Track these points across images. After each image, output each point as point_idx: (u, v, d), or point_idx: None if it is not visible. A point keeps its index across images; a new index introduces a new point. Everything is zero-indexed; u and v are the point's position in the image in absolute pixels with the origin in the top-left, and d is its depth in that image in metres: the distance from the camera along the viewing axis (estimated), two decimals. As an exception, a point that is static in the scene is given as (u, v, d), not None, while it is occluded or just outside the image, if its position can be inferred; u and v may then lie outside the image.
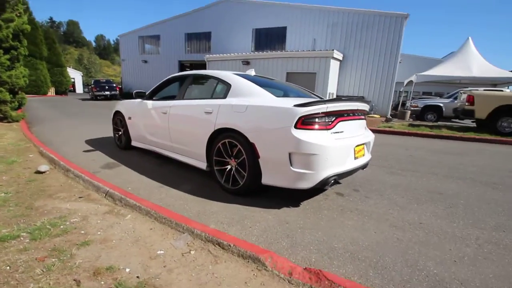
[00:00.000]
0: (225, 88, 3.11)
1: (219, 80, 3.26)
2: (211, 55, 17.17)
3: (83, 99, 21.45)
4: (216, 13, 19.89)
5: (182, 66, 23.26)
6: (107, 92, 20.53)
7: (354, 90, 15.94)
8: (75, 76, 41.09)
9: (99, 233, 1.93)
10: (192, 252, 1.73)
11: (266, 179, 2.60)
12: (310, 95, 3.58)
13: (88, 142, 5.48)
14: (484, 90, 10.36)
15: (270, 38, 18.67)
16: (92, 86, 20.82)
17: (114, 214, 2.25)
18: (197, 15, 20.72)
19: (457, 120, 13.21)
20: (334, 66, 14.51)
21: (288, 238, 2.07)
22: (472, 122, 8.86)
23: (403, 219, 2.50)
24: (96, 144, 5.30)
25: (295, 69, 14.20)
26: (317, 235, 2.12)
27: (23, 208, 2.31)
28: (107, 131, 6.78)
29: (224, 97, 3.05)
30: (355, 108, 2.81)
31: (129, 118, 4.54)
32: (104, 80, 22.93)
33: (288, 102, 2.53)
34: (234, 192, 2.89)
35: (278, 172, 2.51)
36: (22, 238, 1.82)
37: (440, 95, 24.33)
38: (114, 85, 21.72)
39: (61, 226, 1.99)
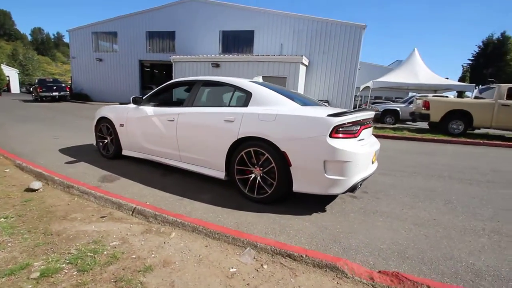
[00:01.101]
0: (245, 97, 3.10)
1: (237, 88, 3.23)
2: (178, 56, 16.57)
3: (25, 101, 18.95)
4: (181, 13, 19.25)
5: (143, 66, 22.00)
6: (55, 93, 18.41)
7: (320, 94, 16.83)
8: (10, 74, 35.95)
9: (153, 255, 1.78)
10: (265, 267, 1.71)
11: (298, 187, 2.67)
12: (317, 102, 3.74)
13: (64, 151, 4.91)
14: (433, 96, 11.83)
15: (237, 41, 18.72)
16: (37, 86, 18.46)
17: (155, 233, 2.09)
18: (160, 13, 19.80)
19: (410, 123, 14.82)
20: (302, 71, 15.16)
21: (336, 243, 2.16)
22: (428, 124, 10.08)
23: (418, 216, 2.78)
24: (75, 153, 4.78)
25: (266, 73, 14.46)
26: (360, 238, 2.26)
27: (40, 235, 2.01)
28: (77, 137, 6.19)
29: (245, 105, 3.03)
30: (370, 116, 3.03)
31: (121, 125, 4.20)
32: (51, 80, 20.54)
33: (318, 112, 2.64)
34: (259, 200, 2.89)
35: (312, 179, 2.59)
36: (66, 271, 1.60)
37: (390, 100, 27.02)
38: (63, 85, 19.59)
39: (105, 252, 1.80)
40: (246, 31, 18.29)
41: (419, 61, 17.57)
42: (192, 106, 3.49)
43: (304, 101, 3.28)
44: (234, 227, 2.32)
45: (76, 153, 4.83)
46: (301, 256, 1.75)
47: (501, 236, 2.43)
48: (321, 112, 2.63)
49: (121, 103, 21.13)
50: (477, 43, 54.68)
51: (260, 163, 2.86)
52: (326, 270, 1.68)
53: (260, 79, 3.74)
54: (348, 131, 2.58)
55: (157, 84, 24.57)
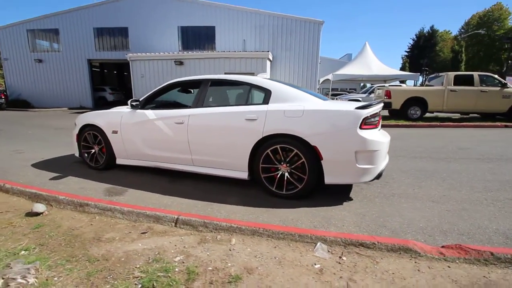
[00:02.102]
0: (264, 94, 3.07)
1: (253, 86, 3.17)
2: (135, 54, 15.45)
3: None
4: (133, 7, 17.92)
5: (93, 66, 20.05)
6: (-13, 101, 15.84)
7: (285, 88, 17.25)
8: None
9: (230, 265, 1.70)
10: (344, 258, 1.76)
11: (330, 179, 2.75)
12: (324, 96, 3.86)
13: (39, 166, 4.31)
14: (390, 85, 13.00)
15: (198, 37, 18.16)
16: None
17: (213, 242, 1.98)
18: (108, 8, 18.17)
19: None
20: (268, 66, 15.35)
21: (382, 227, 2.31)
22: (388, 112, 11.09)
23: (430, 194, 3.09)
24: (55, 168, 4.22)
25: (233, 69, 14.33)
26: (398, 220, 2.44)
27: (84, 262, 1.77)
28: (45, 150, 5.49)
29: (265, 103, 3.01)
30: (381, 108, 3.24)
31: (114, 132, 3.83)
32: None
33: (344, 105, 2.75)
34: (289, 196, 2.91)
35: (344, 170, 2.70)
36: (147, 295, 1.45)
37: (345, 91, 28.90)
38: (-4, 90, 16.94)
39: (176, 269, 1.66)
40: (207, 27, 17.83)
41: (371, 54, 19.01)
42: (202, 106, 3.33)
43: (317, 96, 3.37)
44: (283, 224, 2.32)
45: (56, 167, 4.27)
46: (374, 243, 1.84)
47: (502, 202, 2.83)
48: (347, 105, 2.74)
49: (70, 108, 19.06)
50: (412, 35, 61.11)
51: (287, 159, 2.88)
52: (400, 253, 1.80)
53: (265, 76, 3.72)
54: (372, 122, 2.74)
55: (110, 85, 22.71)
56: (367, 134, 2.63)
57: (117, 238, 2.07)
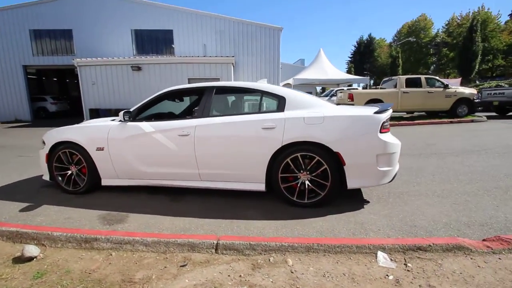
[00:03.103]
0: (277, 101, 2.97)
1: (265, 93, 3.05)
2: (84, 59, 13.94)
3: None
4: (78, 8, 16.19)
5: (28, 73, 17.53)
6: None
7: (249, 93, 17.31)
8: None
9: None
10: (410, 264, 1.75)
11: (353, 183, 2.77)
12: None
13: (-3, 196, 3.54)
14: (347, 89, 13.95)
15: (155, 42, 17.20)
16: None
17: (269, 266, 1.80)
18: (48, 8, 16.11)
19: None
20: (232, 72, 15.23)
21: (414, 227, 2.39)
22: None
23: (432, 190, 3.32)
24: (17, 196, 3.53)
25: (197, 75, 13.86)
26: (424, 218, 2.55)
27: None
28: None
29: (280, 110, 2.91)
30: None
31: (99, 149, 3.33)
32: None
33: (362, 110, 2.80)
34: (311, 205, 2.86)
35: (366, 174, 2.75)
36: None
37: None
38: None
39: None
40: (164, 31, 16.99)
41: (325, 59, 20.26)
42: (209, 116, 3.09)
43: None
44: (321, 236, 2.25)
45: (20, 195, 3.55)
46: (430, 245, 1.88)
47: (493, 192, 3.17)
48: (364, 110, 2.80)
49: (2, 122, 16.30)
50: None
51: (308, 167, 2.82)
52: (455, 252, 1.86)
53: (265, 82, 3.63)
54: (386, 126, 2.84)
55: (51, 94, 20.07)
56: (386, 137, 2.72)
57: (154, 276, 1.75)
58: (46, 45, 16.67)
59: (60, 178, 3.57)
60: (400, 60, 35.52)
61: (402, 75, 32.64)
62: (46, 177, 3.68)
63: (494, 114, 11.73)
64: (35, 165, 5.26)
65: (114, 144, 3.29)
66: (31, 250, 2.00)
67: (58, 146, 3.51)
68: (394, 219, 2.56)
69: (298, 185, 2.87)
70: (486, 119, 10.14)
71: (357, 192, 3.27)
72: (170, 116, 3.83)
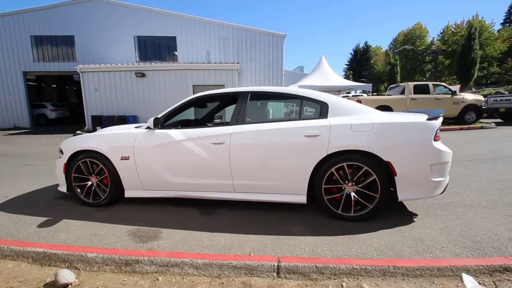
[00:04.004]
0: (320, 108, 2.80)
1: (305, 99, 2.87)
2: (87, 65, 13.73)
3: None
4: (81, 14, 16.08)
5: (28, 80, 17.25)
6: None
7: (253, 100, 17.20)
8: None
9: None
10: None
11: (404, 195, 2.59)
12: None
13: (7, 208, 3.31)
14: (353, 96, 13.91)
15: (158, 48, 17.10)
16: None
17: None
18: (50, 14, 15.98)
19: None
20: (237, 78, 15.13)
21: (479, 242, 2.20)
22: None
23: (476, 200, 3.15)
24: (32, 209, 3.28)
25: (202, 81, 13.74)
26: (484, 232, 2.37)
27: None
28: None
29: (323, 117, 2.74)
30: None
31: (124, 158, 3.12)
32: None
33: (414, 117, 2.63)
34: (358, 218, 2.66)
35: (418, 185, 2.57)
36: None
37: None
38: None
39: None
40: (167, 37, 16.93)
41: (327, 66, 20.30)
42: (245, 123, 2.90)
43: None
44: (386, 256, 2.05)
45: (35, 208, 3.30)
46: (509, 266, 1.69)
47: (541, 203, 3.01)
48: (416, 117, 2.64)
49: (0, 129, 15.90)
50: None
51: (355, 178, 2.64)
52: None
53: (296, 87, 3.46)
54: (438, 133, 2.68)
55: (50, 101, 19.74)
56: (439, 146, 2.55)
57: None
58: (47, 51, 16.46)
59: (79, 190, 3.33)
60: (398, 67, 35.88)
61: (400, 82, 33.02)
62: (63, 188, 3.44)
63: (499, 120, 11.74)
64: (44, 174, 5.02)
65: (141, 153, 3.07)
66: (66, 275, 1.77)
67: (77, 155, 3.29)
68: (453, 234, 2.37)
69: (343, 197, 2.68)
70: (495, 126, 10.10)
71: (400, 204, 3.09)
72: (197, 123, 3.64)
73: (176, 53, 17.22)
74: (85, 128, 13.83)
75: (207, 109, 4.27)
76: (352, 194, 2.66)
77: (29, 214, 3.12)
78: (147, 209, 3.16)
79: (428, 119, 2.56)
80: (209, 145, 2.89)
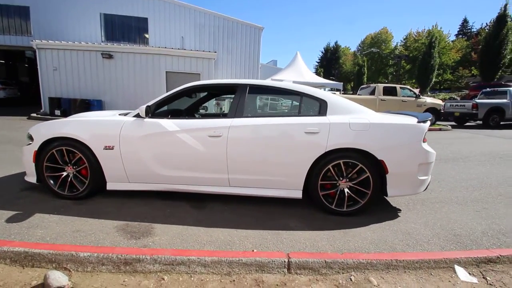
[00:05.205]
0: (319, 105, 2.83)
1: (304, 95, 2.87)
2: (44, 41, 12.30)
3: None
4: (37, -17, 14.30)
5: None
6: None
7: (228, 91, 16.93)
8: None
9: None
10: (489, 278, 1.74)
11: (393, 192, 2.74)
12: None
13: (-34, 202, 2.87)
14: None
15: (127, 29, 15.94)
16: None
17: (355, 286, 1.64)
18: (-2, -22, 13.97)
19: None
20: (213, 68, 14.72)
21: (458, 236, 2.42)
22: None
23: (449, 197, 3.46)
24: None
25: (176, 68, 13.10)
26: (461, 226, 2.62)
27: None
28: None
29: (322, 114, 2.78)
30: None
31: (108, 147, 2.87)
32: None
33: (406, 119, 2.78)
34: (349, 213, 2.78)
35: (406, 182, 2.74)
36: None
37: (276, 94, 30.35)
38: None
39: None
40: (138, 18, 15.85)
41: (302, 63, 20.66)
42: (243, 116, 2.83)
43: None
44: (381, 249, 2.17)
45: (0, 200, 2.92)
46: (498, 257, 1.89)
47: (507, 197, 3.40)
48: (407, 119, 2.79)
49: None
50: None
51: (349, 174, 2.73)
52: (522, 263, 1.90)
53: (291, 83, 3.46)
54: (425, 135, 2.86)
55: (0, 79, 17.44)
56: (427, 147, 2.74)
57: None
58: (-5, 21, 14.44)
59: (52, 181, 3.01)
60: (365, 68, 37.78)
61: (366, 83, 34.90)
62: (32, 178, 3.08)
63: (453, 123, 13.00)
64: (0, 161, 4.45)
65: (128, 143, 2.85)
66: (58, 278, 1.59)
67: (51, 143, 2.95)
68: (435, 228, 2.58)
69: (337, 192, 2.77)
70: (451, 128, 11.17)
71: (384, 199, 3.28)
72: (188, 113, 3.46)
73: (147, 35, 16.23)
74: (41, 111, 12.49)
75: (191, 100, 4.09)
76: (346, 190, 2.76)
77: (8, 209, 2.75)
78: (132, 203, 2.96)
79: (418, 122, 2.72)
80: (205, 138, 2.77)
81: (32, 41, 12.23)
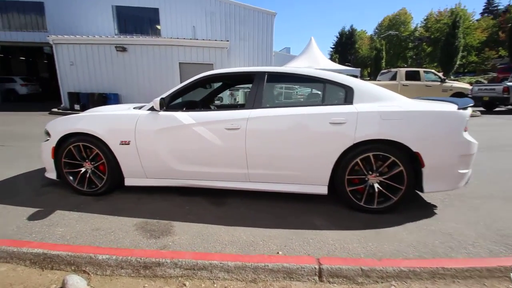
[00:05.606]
0: (344, 92, 2.59)
1: (328, 82, 2.64)
2: (60, 36, 12.46)
3: None
4: (50, -22, 14.39)
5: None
6: None
7: (241, 81, 16.66)
8: None
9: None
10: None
11: (430, 187, 2.49)
12: None
13: (-11, 199, 2.89)
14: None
15: (139, 21, 15.86)
16: None
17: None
18: (14, -25, 14.17)
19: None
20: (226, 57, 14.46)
21: (503, 237, 2.17)
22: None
23: (486, 192, 3.14)
24: (19, 198, 2.91)
25: (189, 59, 12.97)
26: (510, 225, 2.35)
27: None
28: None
29: (348, 102, 2.54)
30: None
31: (124, 143, 2.78)
32: None
33: (444, 105, 2.49)
34: (380, 211, 2.56)
35: (445, 177, 2.48)
36: None
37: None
38: None
39: None
40: (149, 9, 15.67)
41: (317, 49, 19.97)
42: (262, 107, 2.64)
43: None
44: (421, 253, 1.96)
45: (19, 196, 2.93)
46: None
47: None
48: (445, 106, 2.50)
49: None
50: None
51: (379, 168, 2.50)
52: None
53: (312, 69, 3.21)
54: (467, 123, 2.56)
55: (21, 75, 18.00)
56: (469, 137, 2.45)
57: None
58: (14, 19, 14.77)
59: (71, 177, 2.97)
60: (384, 52, 36.14)
61: (384, 68, 33.40)
62: (52, 175, 3.06)
63: (482, 109, 12.18)
64: (18, 157, 4.55)
65: (144, 138, 2.75)
66: (76, 282, 1.52)
67: (68, 139, 2.90)
68: (479, 227, 2.33)
69: (366, 188, 2.55)
70: (480, 114, 10.46)
71: (415, 194, 3.03)
72: (204, 105, 3.32)
73: (158, 27, 16.09)
74: (62, 106, 12.81)
75: (205, 91, 3.93)
76: (376, 185, 2.54)
77: (15, 204, 2.76)
78: (150, 199, 2.89)
79: (458, 109, 2.43)
80: (223, 131, 2.62)
81: (48, 36, 12.42)
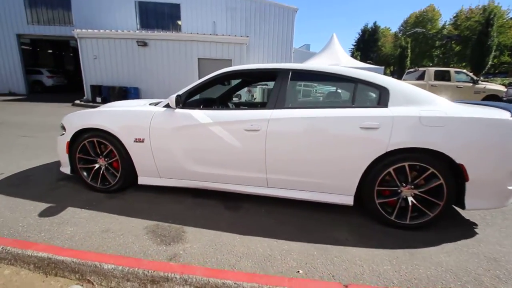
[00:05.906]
0: (378, 94, 2.32)
1: (360, 81, 2.38)
2: (84, 31, 12.75)
3: None
4: (77, -27, 14.75)
5: (23, 43, 16.18)
6: None
7: (259, 78, 16.43)
8: None
9: None
10: None
11: (473, 204, 2.20)
12: None
13: (3, 190, 2.88)
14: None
15: (161, 16, 15.97)
16: None
17: None
18: (44, -29, 14.63)
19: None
20: (245, 53, 14.28)
21: None
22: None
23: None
24: (31, 192, 2.86)
25: (208, 55, 12.90)
26: None
27: None
28: None
29: (382, 105, 2.28)
30: None
31: (138, 140, 2.67)
32: None
33: (494, 112, 2.17)
34: (415, 227, 2.30)
35: (491, 193, 2.17)
36: None
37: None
38: None
39: None
40: (171, 4, 15.73)
41: (338, 46, 19.32)
42: (284, 107, 2.43)
43: None
44: (463, 281, 1.69)
45: (34, 189, 2.90)
46: None
47: None
48: (498, 112, 2.18)
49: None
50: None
51: (415, 180, 2.23)
52: None
53: (341, 67, 2.95)
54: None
55: (47, 67, 18.72)
56: (523, 148, 2.12)
57: None
58: (42, 13, 15.28)
59: (85, 173, 2.91)
60: (409, 51, 34.54)
61: (409, 67, 31.91)
62: (66, 169, 3.02)
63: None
64: (43, 148, 4.58)
65: (158, 136, 2.62)
66: (79, 294, 1.39)
67: (83, 134, 2.83)
68: (532, 251, 2.02)
69: (399, 201, 2.29)
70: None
71: (451, 209, 2.71)
72: (222, 103, 3.16)
73: (179, 22, 16.13)
74: (84, 98, 13.15)
75: (224, 88, 3.75)
76: (410, 198, 2.27)
77: (28, 198, 2.72)
78: (163, 200, 2.77)
79: (512, 116, 2.11)
80: (241, 131, 2.43)
81: (73, 30, 12.74)
